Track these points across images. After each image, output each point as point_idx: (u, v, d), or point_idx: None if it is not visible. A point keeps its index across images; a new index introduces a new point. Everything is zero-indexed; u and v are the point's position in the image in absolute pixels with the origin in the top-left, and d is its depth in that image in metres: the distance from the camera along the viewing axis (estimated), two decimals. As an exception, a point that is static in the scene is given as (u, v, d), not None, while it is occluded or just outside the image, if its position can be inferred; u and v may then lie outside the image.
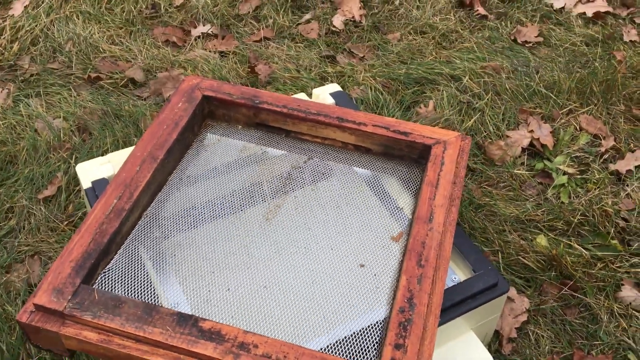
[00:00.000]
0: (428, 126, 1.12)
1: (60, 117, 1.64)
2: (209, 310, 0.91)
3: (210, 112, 1.19)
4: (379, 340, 0.84)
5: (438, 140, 1.10)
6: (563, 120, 1.70)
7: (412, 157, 1.13)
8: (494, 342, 1.16)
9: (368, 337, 0.85)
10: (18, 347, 1.13)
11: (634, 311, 1.22)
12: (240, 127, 1.20)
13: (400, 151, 1.13)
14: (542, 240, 1.34)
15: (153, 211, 1.03)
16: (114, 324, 0.81)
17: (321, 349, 0.85)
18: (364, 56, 1.96)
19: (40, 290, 0.84)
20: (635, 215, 1.40)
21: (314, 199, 1.08)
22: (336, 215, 1.05)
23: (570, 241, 1.35)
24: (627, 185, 1.49)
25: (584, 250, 1.32)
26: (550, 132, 1.65)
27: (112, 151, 1.50)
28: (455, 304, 1.01)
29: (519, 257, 1.30)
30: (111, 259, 0.94)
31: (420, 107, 1.74)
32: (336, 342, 0.86)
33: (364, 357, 0.83)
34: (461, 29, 2.05)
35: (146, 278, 0.93)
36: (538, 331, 1.19)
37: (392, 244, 0.99)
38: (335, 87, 1.43)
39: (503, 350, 1.15)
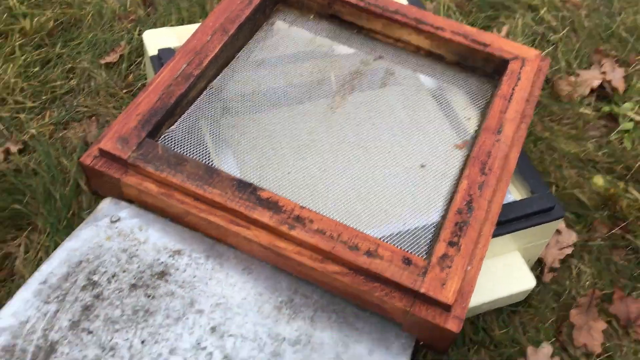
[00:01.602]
0: (508, 40, 1.08)
1: (127, -12, 1.62)
2: (264, 187, 0.91)
3: (284, -4, 1.16)
4: (432, 237, 0.84)
5: (517, 55, 1.06)
6: (638, 67, 1.62)
7: (486, 70, 1.09)
8: (535, 269, 1.16)
9: (422, 234, 0.85)
10: (71, 199, 1.16)
11: (682, 262, 1.20)
12: (311, 17, 1.17)
13: (475, 63, 1.09)
14: (599, 180, 1.31)
15: (219, 84, 1.02)
16: (175, 180, 0.82)
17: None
18: (440, -27, 1.87)
19: (105, 137, 0.85)
20: (699, 171, 1.36)
21: (381, 99, 1.05)
22: (401, 116, 1.02)
23: (628, 186, 1.32)
24: (696, 141, 1.43)
25: (640, 197, 1.29)
26: (623, 77, 1.58)
27: (176, 30, 1.48)
28: (508, 221, 0.99)
29: (574, 192, 1.27)
30: (174, 122, 0.94)
31: (492, 32, 1.67)
32: (388, 235, 0.86)
33: (415, 251, 0.83)
34: (546, -41, 1.94)
35: (204, 148, 0.94)
36: (581, 266, 1.17)
37: (455, 150, 0.97)
38: (411, -7, 1.37)
39: (543, 278, 1.14)
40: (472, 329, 1.07)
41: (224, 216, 0.81)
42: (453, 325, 0.75)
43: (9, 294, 1.06)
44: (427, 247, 0.83)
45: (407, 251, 0.81)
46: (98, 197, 0.88)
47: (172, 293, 0.77)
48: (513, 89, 1.00)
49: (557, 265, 1.16)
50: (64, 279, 0.76)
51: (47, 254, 1.10)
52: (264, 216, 0.79)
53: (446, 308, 0.76)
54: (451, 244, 0.80)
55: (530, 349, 1.04)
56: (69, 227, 1.13)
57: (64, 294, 0.74)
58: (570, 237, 1.20)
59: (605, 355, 1.07)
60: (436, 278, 0.76)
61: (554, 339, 1.07)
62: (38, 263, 1.10)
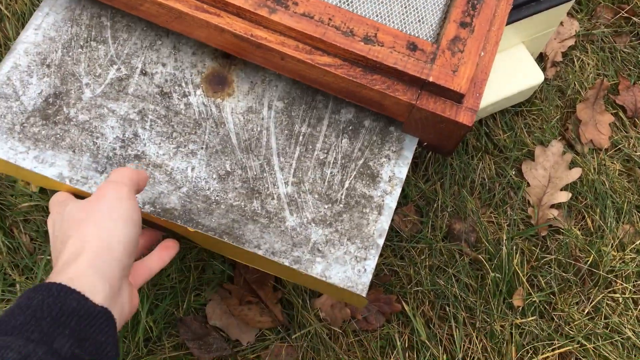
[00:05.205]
0: None
1: None
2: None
3: None
4: (440, 19, 0.71)
5: None
6: None
7: None
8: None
9: (428, 15, 0.72)
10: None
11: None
12: None
13: None
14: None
15: None
16: (120, -43, 0.65)
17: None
18: None
19: None
20: None
21: None
22: None
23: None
24: None
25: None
26: None
27: None
28: (516, 7, 0.86)
29: (578, -26, 1.13)
30: None
31: None
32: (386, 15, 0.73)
33: (421, 35, 0.70)
34: None
35: None
36: (584, 58, 1.07)
37: None
38: None
39: (546, 74, 1.04)
40: (475, 136, 0.98)
41: (187, 1, 0.66)
42: (466, 117, 0.66)
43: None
44: (434, 30, 0.70)
45: (412, 35, 0.68)
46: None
47: None
48: None
49: (559, 59, 1.05)
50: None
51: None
52: (237, -1, 0.65)
53: (458, 99, 0.65)
54: (463, 24, 0.67)
55: (538, 149, 0.96)
56: None
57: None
58: (572, 26, 1.08)
59: (614, 149, 1.00)
60: (447, 64, 0.65)
61: (560, 138, 1.00)
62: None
